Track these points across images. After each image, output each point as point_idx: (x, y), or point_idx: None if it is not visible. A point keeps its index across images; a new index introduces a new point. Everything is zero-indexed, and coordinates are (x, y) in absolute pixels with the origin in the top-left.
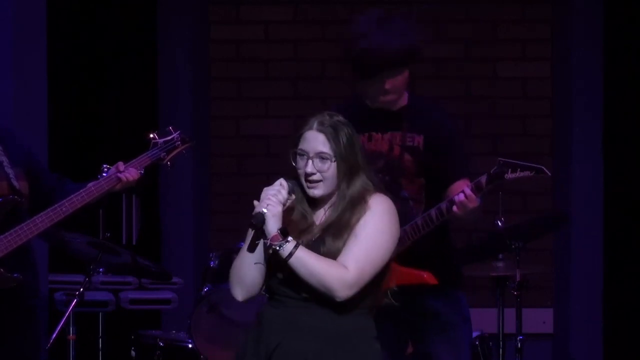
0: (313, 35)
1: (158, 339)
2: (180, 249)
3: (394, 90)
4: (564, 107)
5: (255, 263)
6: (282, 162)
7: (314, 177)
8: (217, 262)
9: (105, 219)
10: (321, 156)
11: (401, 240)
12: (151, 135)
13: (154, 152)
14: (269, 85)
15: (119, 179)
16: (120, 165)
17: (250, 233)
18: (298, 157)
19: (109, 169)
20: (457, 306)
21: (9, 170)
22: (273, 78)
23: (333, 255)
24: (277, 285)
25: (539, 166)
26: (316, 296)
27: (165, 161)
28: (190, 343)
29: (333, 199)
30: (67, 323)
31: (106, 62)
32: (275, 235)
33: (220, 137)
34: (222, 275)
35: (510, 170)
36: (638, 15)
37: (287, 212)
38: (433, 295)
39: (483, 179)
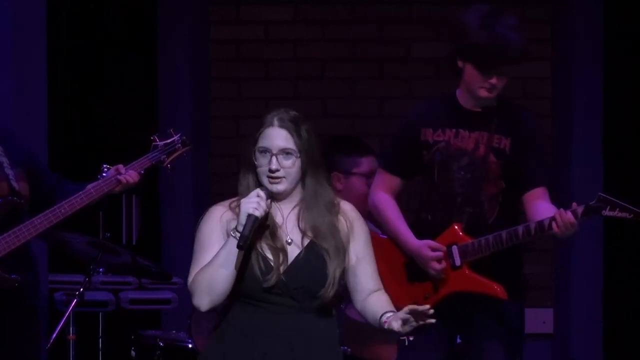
0: (313, 35)
1: (158, 339)
2: (180, 249)
3: (497, 89)
4: (564, 107)
5: (230, 271)
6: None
7: (279, 174)
8: None
9: (105, 219)
10: (285, 152)
11: (481, 250)
12: (152, 138)
13: (154, 154)
14: (269, 85)
15: (119, 181)
16: (121, 167)
17: (231, 243)
18: (259, 154)
19: (108, 169)
20: (501, 316)
21: (9, 172)
22: (273, 78)
23: (329, 252)
24: (260, 293)
25: (639, 210)
26: (303, 302)
27: (165, 164)
28: (190, 343)
29: (297, 195)
30: (67, 323)
31: (106, 62)
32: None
33: (220, 137)
34: None
35: (609, 207)
36: (638, 15)
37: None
38: (490, 303)
39: (580, 209)
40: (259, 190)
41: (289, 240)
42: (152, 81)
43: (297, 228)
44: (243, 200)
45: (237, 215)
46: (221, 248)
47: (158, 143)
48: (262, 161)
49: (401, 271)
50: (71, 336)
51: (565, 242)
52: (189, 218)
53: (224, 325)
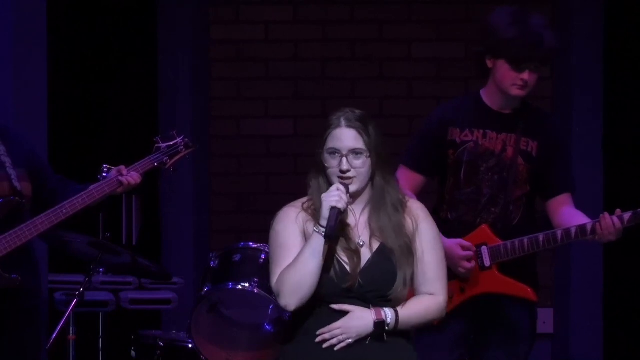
0: (313, 35)
1: (158, 339)
2: (180, 249)
3: (529, 86)
4: (564, 107)
5: (317, 267)
6: (281, 162)
7: (350, 174)
8: (217, 262)
9: (106, 219)
10: (355, 152)
11: (515, 252)
12: (154, 139)
13: (157, 156)
14: (269, 85)
15: (121, 183)
16: (123, 169)
17: (315, 239)
18: (328, 155)
19: (109, 169)
20: (533, 318)
21: (11, 172)
22: (273, 78)
23: (395, 253)
24: (334, 296)
25: None
26: (376, 305)
27: (168, 166)
28: (190, 343)
29: (367, 195)
30: (67, 323)
31: (106, 62)
32: (378, 311)
33: (220, 137)
34: (222, 275)
35: None
36: (638, 15)
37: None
38: (518, 304)
39: (627, 215)
40: (338, 184)
41: (361, 243)
42: (152, 81)
43: (368, 229)
44: (324, 195)
45: (312, 216)
46: (305, 246)
47: (161, 145)
48: (332, 162)
49: None
50: (71, 336)
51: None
52: (189, 218)
53: (299, 325)
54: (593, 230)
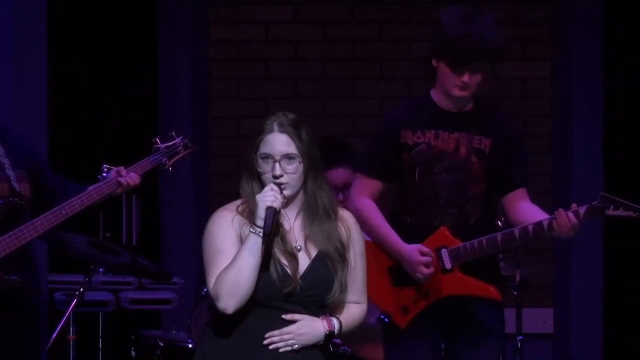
0: (313, 35)
1: (158, 339)
2: (180, 249)
3: (470, 87)
4: (564, 107)
5: (255, 269)
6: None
7: (282, 179)
8: None
9: (105, 219)
10: (288, 157)
11: (474, 252)
12: (153, 140)
13: (156, 157)
14: (269, 85)
15: (120, 184)
16: (122, 170)
17: (252, 240)
18: (261, 161)
19: (109, 169)
20: (500, 317)
21: (10, 172)
22: (273, 78)
23: (331, 259)
24: (274, 299)
25: None
26: (312, 309)
27: (167, 166)
28: (190, 343)
29: (299, 200)
30: (67, 323)
31: (106, 62)
32: (329, 321)
33: (220, 137)
34: None
35: (612, 207)
36: (638, 15)
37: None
38: (483, 304)
39: (582, 209)
40: (272, 185)
41: (298, 247)
42: (152, 81)
43: (303, 234)
44: (258, 196)
45: (247, 218)
46: (243, 247)
47: (160, 145)
48: (265, 167)
49: (388, 275)
50: (71, 336)
51: (565, 241)
52: (189, 218)
53: (228, 327)
54: (550, 227)
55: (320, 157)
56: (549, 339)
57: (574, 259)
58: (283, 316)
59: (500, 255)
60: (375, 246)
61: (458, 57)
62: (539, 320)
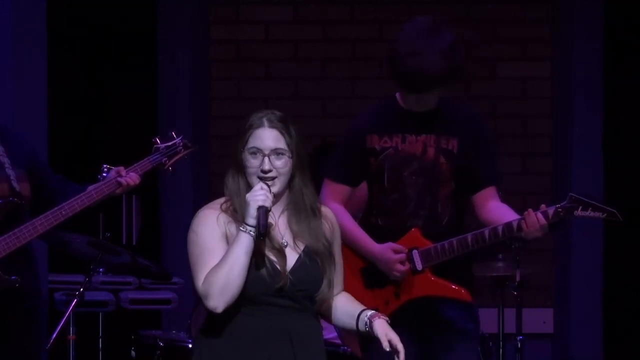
0: (313, 35)
1: (158, 339)
2: (180, 249)
3: (430, 101)
4: (564, 107)
5: (245, 267)
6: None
7: (271, 174)
8: None
9: (105, 219)
10: (277, 152)
11: (445, 254)
12: (153, 140)
13: (156, 157)
14: (269, 85)
15: (120, 184)
16: (122, 170)
17: (243, 238)
18: (249, 155)
19: (109, 168)
20: (473, 317)
21: (10, 172)
22: (273, 78)
23: (319, 255)
24: (264, 295)
25: (611, 209)
26: (302, 304)
27: (166, 166)
28: (190, 343)
29: (285, 197)
30: (67, 323)
31: (107, 62)
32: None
33: (220, 137)
34: None
35: (581, 207)
36: (638, 15)
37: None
38: (454, 305)
39: (551, 210)
40: (261, 183)
41: (285, 243)
42: (152, 81)
43: (289, 231)
44: (249, 195)
45: (232, 217)
46: (234, 246)
47: (159, 145)
48: (253, 162)
49: (359, 277)
50: (71, 336)
51: (565, 242)
52: (189, 218)
53: (220, 327)
54: (519, 228)
55: (315, 158)
56: (549, 339)
57: (574, 259)
58: (384, 345)
59: (500, 255)
60: (347, 249)
61: (411, 87)
62: (539, 320)
